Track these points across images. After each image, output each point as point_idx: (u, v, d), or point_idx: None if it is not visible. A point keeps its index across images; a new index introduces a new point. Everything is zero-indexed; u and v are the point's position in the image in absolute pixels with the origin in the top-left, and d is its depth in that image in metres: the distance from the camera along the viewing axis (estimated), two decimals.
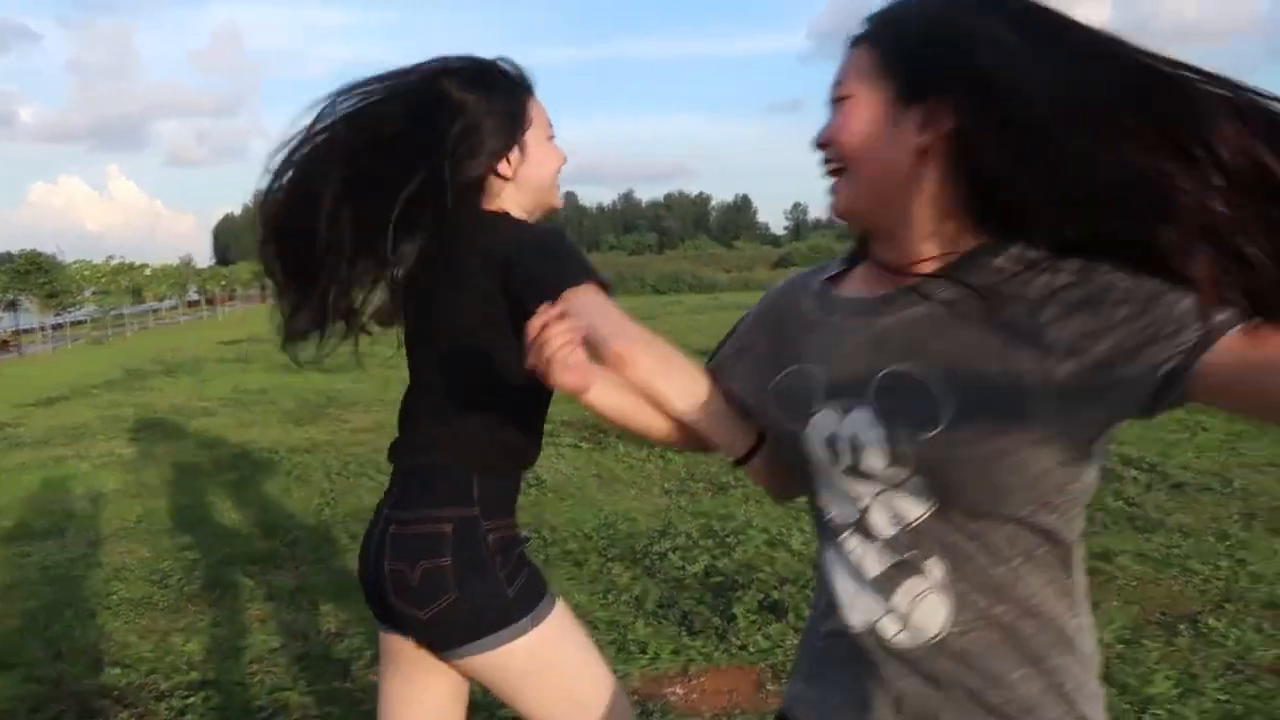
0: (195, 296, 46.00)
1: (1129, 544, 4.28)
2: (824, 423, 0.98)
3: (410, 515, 1.50)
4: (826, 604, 1.02)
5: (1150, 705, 2.83)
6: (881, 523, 0.95)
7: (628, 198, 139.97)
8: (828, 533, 1.02)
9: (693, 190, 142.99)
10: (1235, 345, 0.79)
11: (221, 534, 4.99)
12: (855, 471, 0.96)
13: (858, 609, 0.97)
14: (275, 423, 8.44)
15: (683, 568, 4.14)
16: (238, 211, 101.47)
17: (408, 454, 1.59)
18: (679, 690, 3.06)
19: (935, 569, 0.92)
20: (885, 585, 0.95)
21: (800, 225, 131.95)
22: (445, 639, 1.46)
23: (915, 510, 0.93)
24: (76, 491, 6.15)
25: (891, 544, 0.95)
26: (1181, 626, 3.38)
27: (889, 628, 0.95)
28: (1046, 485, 0.89)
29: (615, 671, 3.02)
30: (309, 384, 11.06)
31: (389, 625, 1.55)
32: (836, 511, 1.00)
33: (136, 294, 32.93)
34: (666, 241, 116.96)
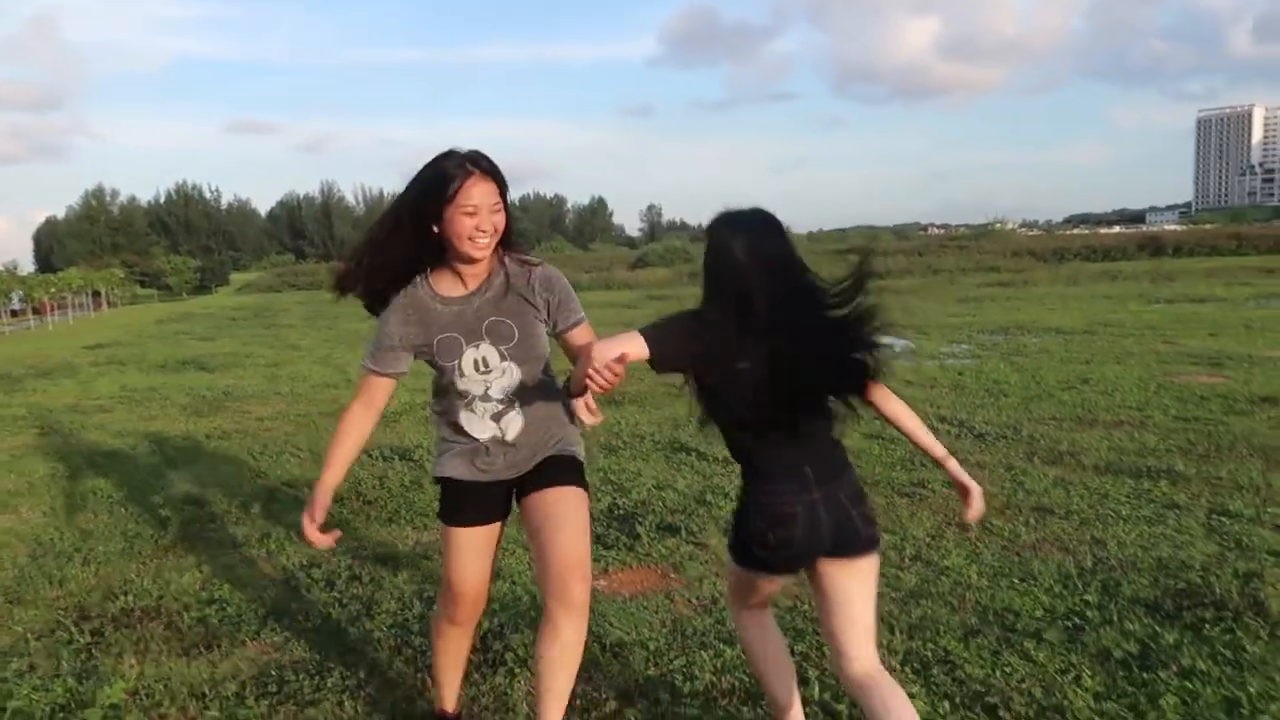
0: (18, 305, 43.42)
1: (938, 476, 5.44)
2: (468, 354, 2.28)
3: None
4: (460, 433, 2.36)
5: (947, 571, 3.91)
6: (497, 391, 2.30)
7: None
8: (464, 400, 2.32)
9: (548, 192, 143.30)
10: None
11: (177, 499, 5.54)
12: (483, 369, 2.23)
13: (484, 431, 2.33)
14: (178, 416, 8.80)
15: (591, 507, 5.02)
16: (61, 214, 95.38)
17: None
18: (603, 582, 3.95)
19: (516, 405, 2.33)
20: (497, 418, 2.31)
21: (655, 227, 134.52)
22: (871, 546, 2.18)
23: (513, 381, 2.29)
24: (9, 477, 6.48)
25: (501, 400, 2.31)
26: (973, 525, 4.52)
27: (498, 435, 2.34)
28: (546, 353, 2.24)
29: None
30: (196, 383, 11.33)
31: (801, 564, 2.19)
32: (473, 391, 2.31)
33: None
34: (523, 243, 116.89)
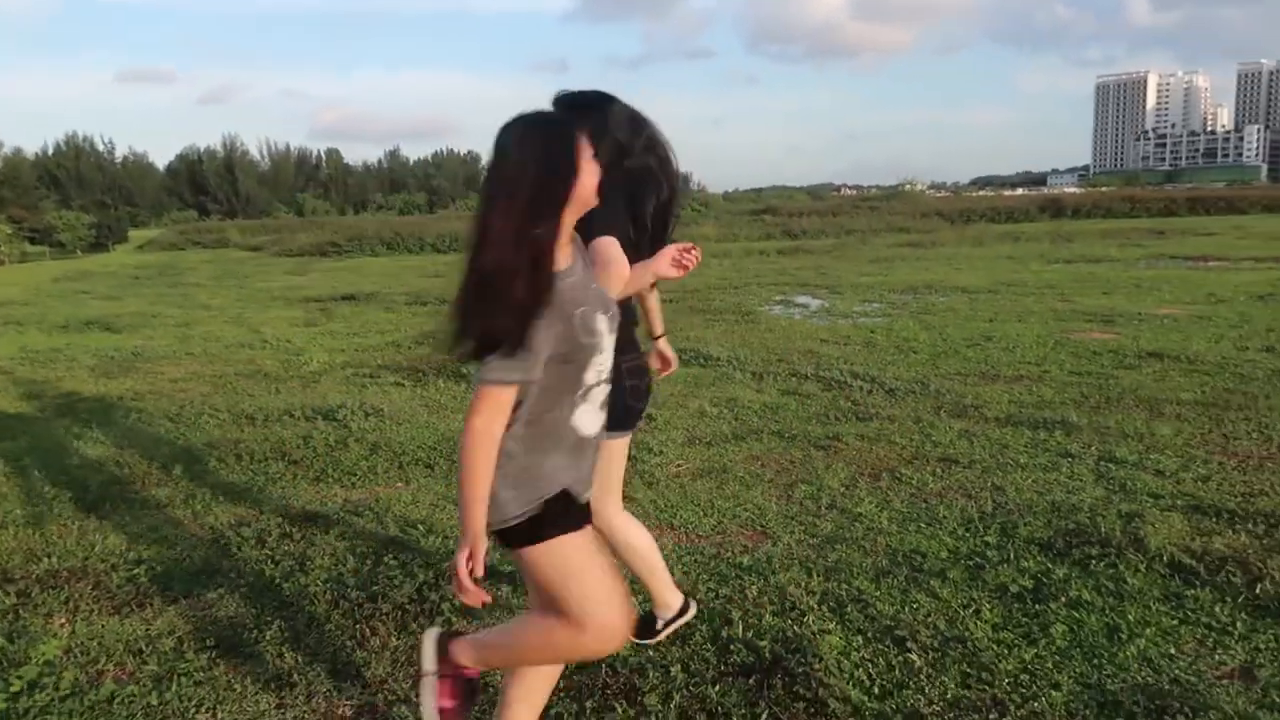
0: None
1: (852, 429, 5.70)
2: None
3: None
4: (562, 441, 1.99)
5: (860, 518, 4.14)
6: (605, 371, 2.04)
7: (394, 155, 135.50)
8: (582, 390, 1.98)
9: (462, 149, 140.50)
10: None
11: (94, 461, 5.44)
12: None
13: (595, 425, 2.05)
14: (87, 378, 8.54)
15: None
16: None
17: None
18: None
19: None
20: (602, 406, 2.07)
21: None
22: None
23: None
24: None
25: (603, 382, 2.05)
26: (884, 475, 4.78)
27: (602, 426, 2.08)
28: None
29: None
30: (103, 343, 10.97)
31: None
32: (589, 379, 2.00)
33: None
34: (437, 201, 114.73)
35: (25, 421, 6.75)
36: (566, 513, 2.00)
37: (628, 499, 4.46)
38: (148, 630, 3.21)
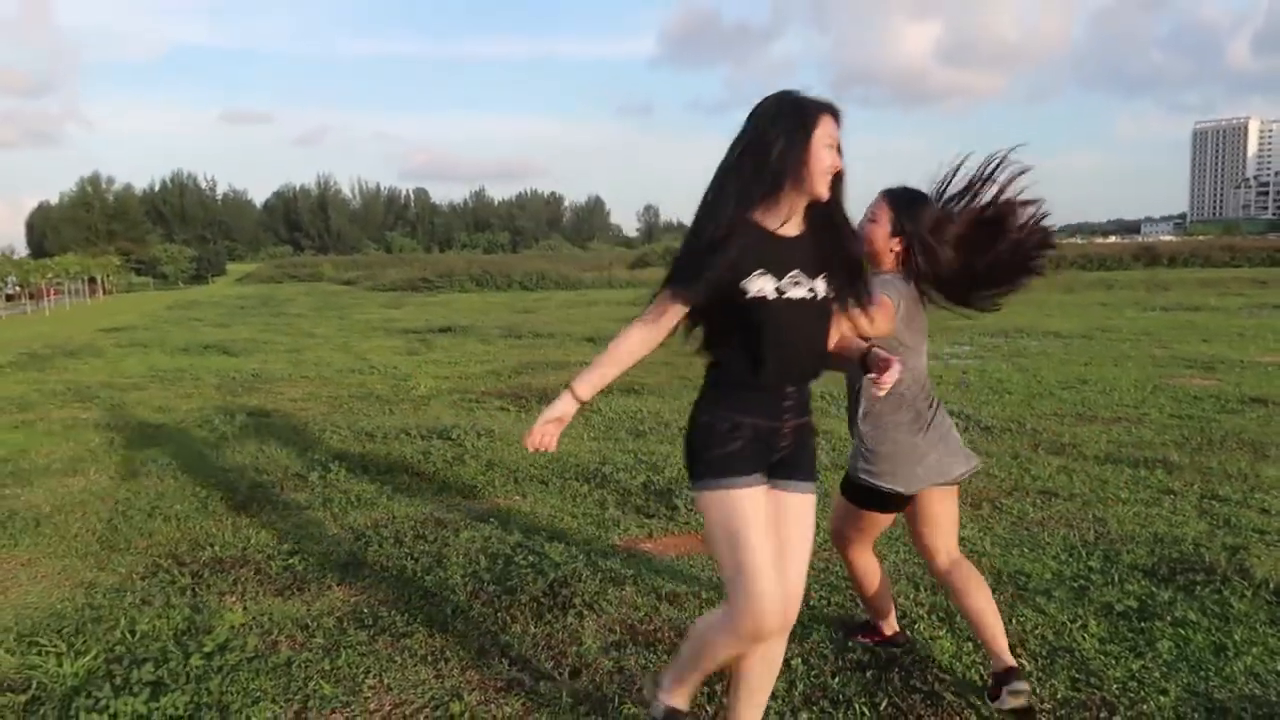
0: (11, 290, 43.64)
1: None
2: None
3: None
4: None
5: (963, 541, 4.29)
6: None
7: (479, 196, 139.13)
8: None
9: (545, 190, 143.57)
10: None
11: (237, 467, 5.90)
12: None
13: None
14: (214, 394, 9.14)
15: (628, 483, 5.40)
16: (54, 200, 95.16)
17: None
18: (648, 545, 4.33)
19: None
20: None
21: (652, 227, 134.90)
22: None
23: None
24: (68, 444, 6.84)
25: None
26: (984, 504, 4.91)
27: None
28: None
29: (605, 537, 4.28)
30: (223, 365, 11.67)
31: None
32: None
33: None
34: (520, 240, 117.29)
35: (167, 431, 7.30)
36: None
37: None
38: (309, 610, 3.55)
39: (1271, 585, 3.57)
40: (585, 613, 3.47)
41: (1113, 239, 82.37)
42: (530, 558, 4.06)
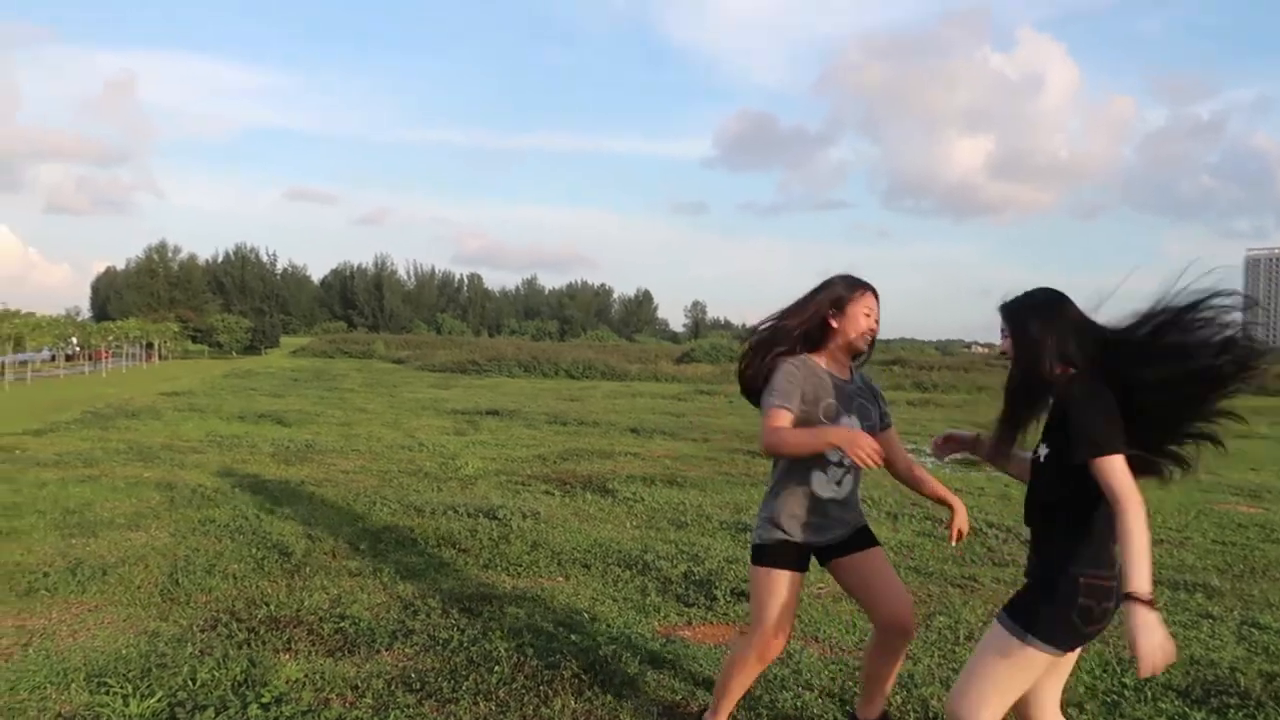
0: (72, 350, 45.13)
1: (988, 572, 5.87)
2: (843, 420, 2.84)
3: None
4: (807, 496, 2.92)
5: None
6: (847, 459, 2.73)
7: (530, 283, 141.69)
8: (820, 462, 2.87)
9: (594, 281, 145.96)
10: None
11: (291, 533, 6.12)
12: None
13: (828, 491, 2.90)
14: (269, 463, 9.45)
15: (668, 571, 5.52)
16: (120, 265, 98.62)
17: None
18: (687, 633, 4.43)
19: (853, 473, 2.99)
20: (839, 482, 2.95)
21: (699, 323, 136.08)
22: None
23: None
24: (130, 500, 7.13)
25: (845, 467, 2.94)
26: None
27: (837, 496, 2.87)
28: None
29: (645, 622, 4.38)
30: (277, 434, 12.03)
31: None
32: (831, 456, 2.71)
33: (17, 342, 32.30)
34: (568, 330, 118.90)
35: (225, 495, 7.57)
36: (783, 554, 2.94)
37: None
38: (359, 671, 3.71)
39: None
40: (625, 692, 3.58)
41: None
42: (573, 636, 4.18)
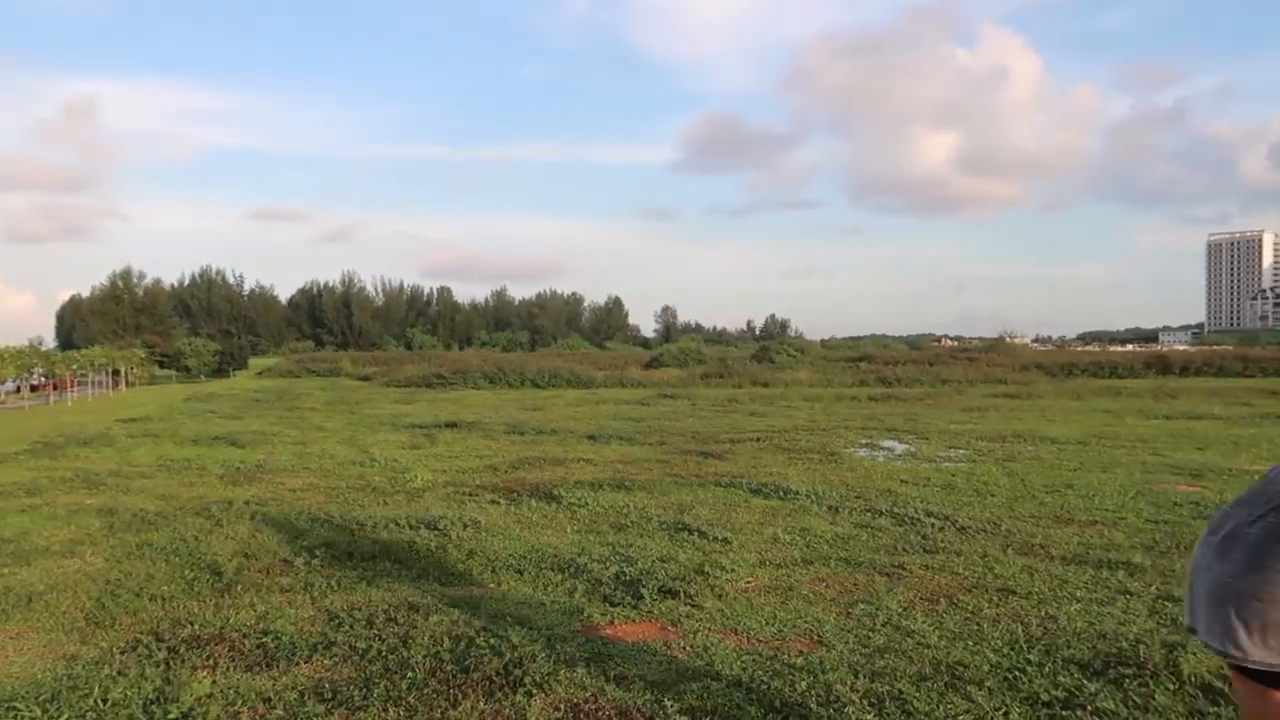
0: (37, 381, 44.55)
1: (918, 560, 5.98)
2: None
3: None
4: None
5: (912, 634, 4.44)
6: None
7: (500, 295, 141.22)
8: None
9: (565, 290, 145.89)
10: None
11: (227, 553, 6.12)
12: None
13: None
14: (216, 484, 9.42)
15: (600, 573, 5.57)
16: (85, 293, 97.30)
17: None
18: (608, 631, 4.50)
19: None
20: None
21: (670, 327, 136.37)
22: None
23: None
24: (69, 528, 7.09)
25: None
26: (942, 600, 5.05)
27: None
28: None
29: (568, 623, 4.43)
30: (229, 456, 11.97)
31: None
32: None
33: None
34: (539, 339, 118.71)
35: (167, 518, 7.55)
36: None
37: (700, 608, 4.87)
38: (274, 684, 3.74)
39: (1198, 681, 3.70)
40: (534, 692, 3.64)
41: (1130, 347, 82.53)
42: (492, 640, 4.23)
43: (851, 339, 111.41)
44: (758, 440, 13.59)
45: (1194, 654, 3.99)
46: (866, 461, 11.34)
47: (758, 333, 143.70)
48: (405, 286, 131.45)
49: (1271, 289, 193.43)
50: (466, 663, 3.93)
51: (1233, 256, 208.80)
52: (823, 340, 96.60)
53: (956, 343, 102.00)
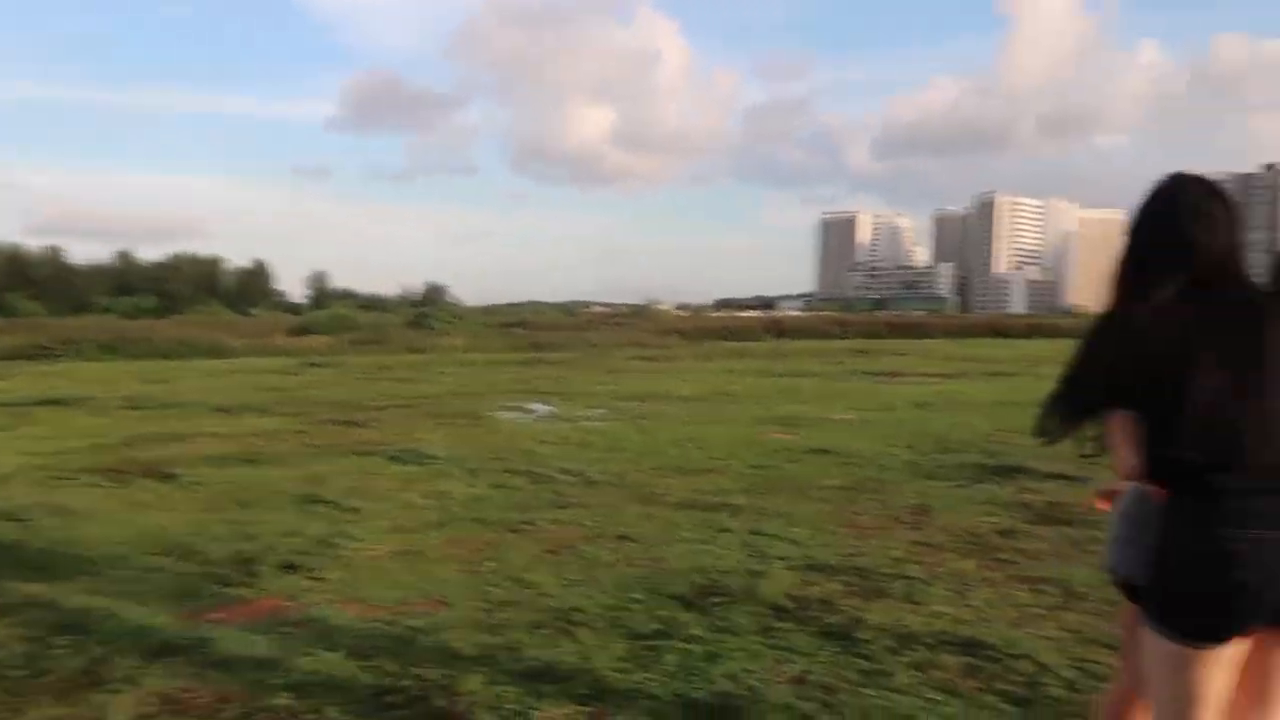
0: None
1: (548, 515, 6.23)
2: None
3: None
4: None
5: (532, 584, 4.63)
6: None
7: (125, 256, 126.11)
8: None
9: (203, 251, 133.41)
10: None
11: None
12: None
13: None
14: None
15: (215, 554, 5.22)
16: None
17: None
18: (219, 614, 4.23)
19: None
20: None
21: (322, 294, 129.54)
22: None
23: None
24: None
25: None
26: (564, 551, 5.31)
27: None
28: None
29: (173, 610, 4.09)
30: None
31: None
32: None
33: None
34: (171, 306, 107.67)
35: None
36: None
37: (322, 581, 4.73)
38: None
39: (771, 602, 4.23)
40: (122, 688, 3.34)
41: (754, 313, 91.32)
42: (73, 638, 3.82)
43: (510, 305, 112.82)
44: (406, 407, 13.38)
45: (770, 579, 4.56)
46: (510, 424, 11.60)
47: (417, 300, 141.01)
48: (2, 245, 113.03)
49: (866, 263, 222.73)
50: (38, 666, 3.51)
51: (839, 233, 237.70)
52: (484, 307, 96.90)
53: (607, 309, 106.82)
